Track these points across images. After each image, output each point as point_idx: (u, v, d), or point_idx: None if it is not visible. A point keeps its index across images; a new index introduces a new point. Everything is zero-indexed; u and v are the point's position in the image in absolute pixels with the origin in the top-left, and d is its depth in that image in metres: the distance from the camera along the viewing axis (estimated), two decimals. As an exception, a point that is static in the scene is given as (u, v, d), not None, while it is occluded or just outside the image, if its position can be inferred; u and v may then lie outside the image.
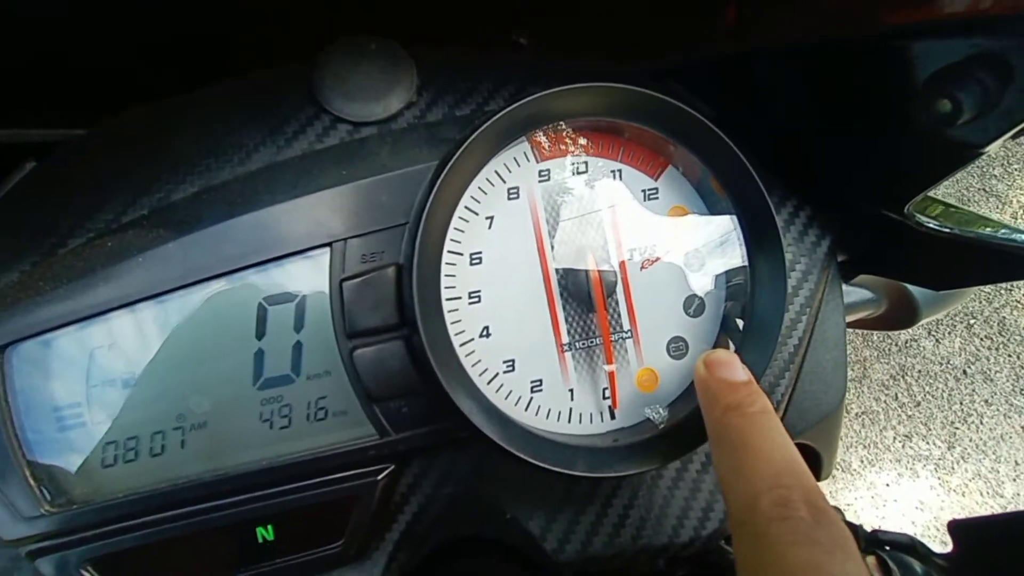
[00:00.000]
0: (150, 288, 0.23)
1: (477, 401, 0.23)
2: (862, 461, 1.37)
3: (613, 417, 0.26)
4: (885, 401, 1.41)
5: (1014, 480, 1.34)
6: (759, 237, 0.25)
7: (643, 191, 0.27)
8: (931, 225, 0.24)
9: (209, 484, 0.24)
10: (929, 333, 1.42)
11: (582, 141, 0.26)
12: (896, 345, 1.39)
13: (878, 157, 0.24)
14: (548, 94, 0.23)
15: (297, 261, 0.24)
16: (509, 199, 0.25)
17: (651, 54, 0.32)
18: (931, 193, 0.25)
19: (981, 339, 1.44)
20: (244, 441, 0.24)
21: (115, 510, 0.23)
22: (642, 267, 0.27)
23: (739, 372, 0.24)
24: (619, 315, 0.26)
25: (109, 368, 0.23)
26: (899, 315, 0.39)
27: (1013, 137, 0.19)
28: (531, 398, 0.26)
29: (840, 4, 0.20)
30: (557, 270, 0.26)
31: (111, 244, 0.23)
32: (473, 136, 0.21)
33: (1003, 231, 0.24)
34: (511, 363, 0.26)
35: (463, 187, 0.24)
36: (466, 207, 0.25)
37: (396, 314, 0.23)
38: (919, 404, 1.40)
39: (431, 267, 0.23)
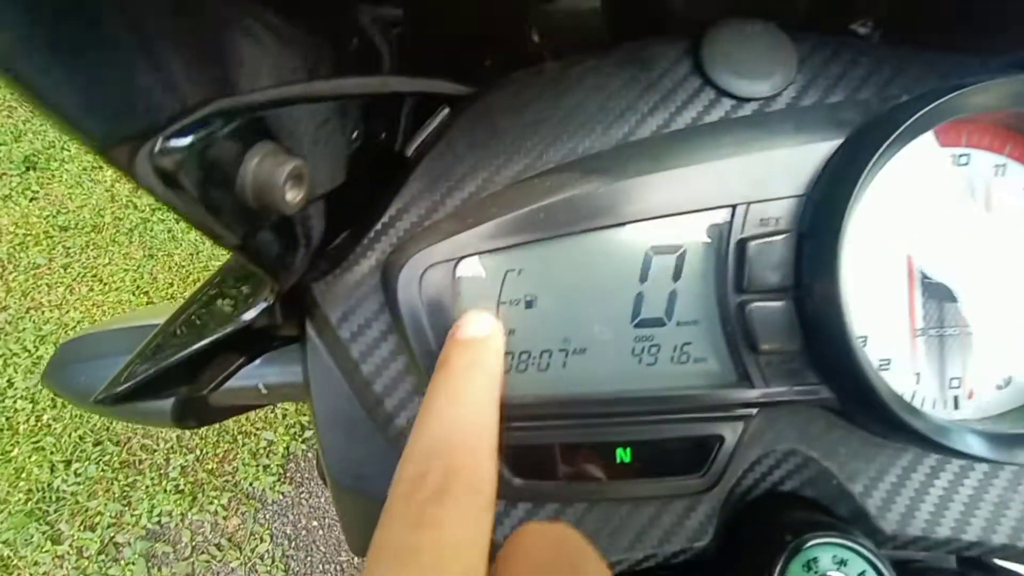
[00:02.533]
0: (561, 228, 0.26)
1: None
2: None
3: (957, 407, 0.27)
4: None
5: None
6: None
7: (1025, 188, 0.27)
8: None
9: (581, 402, 0.27)
10: None
11: (966, 132, 0.26)
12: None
13: None
14: (980, 87, 0.23)
15: (691, 217, 0.26)
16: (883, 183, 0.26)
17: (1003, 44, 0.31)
18: None
19: None
20: (615, 371, 0.27)
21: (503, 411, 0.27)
22: (1014, 266, 0.27)
23: (473, 328, 0.23)
24: (979, 309, 0.27)
25: (517, 290, 0.27)
26: None
27: None
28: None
29: None
30: (920, 258, 0.27)
31: (528, 189, 0.26)
32: (913, 119, 0.23)
33: None
34: (863, 339, 0.27)
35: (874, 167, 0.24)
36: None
37: (792, 276, 0.25)
38: None
39: (833, 240, 0.24)
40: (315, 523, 1.35)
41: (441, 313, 0.26)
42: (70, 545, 1.30)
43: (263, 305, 0.21)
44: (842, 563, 0.25)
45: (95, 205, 1.80)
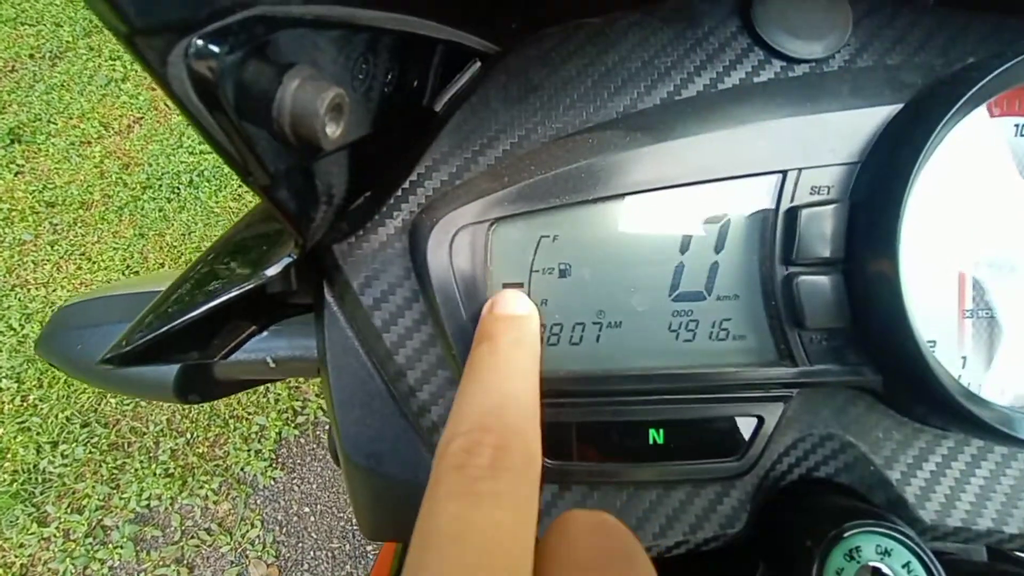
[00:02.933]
0: (600, 190, 0.24)
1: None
2: None
3: (1003, 392, 0.26)
4: None
5: None
6: None
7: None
8: None
9: (614, 379, 0.26)
10: None
11: (1030, 104, 0.25)
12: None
13: None
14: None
15: (734, 184, 0.25)
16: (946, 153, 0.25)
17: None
18: None
19: None
20: (651, 347, 0.26)
21: None
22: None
23: (515, 306, 0.22)
24: (1030, 290, 0.26)
25: (550, 257, 0.25)
26: None
27: None
28: (924, 357, 0.26)
29: None
30: (974, 234, 0.25)
31: (567, 147, 0.25)
32: (989, 78, 0.21)
33: None
34: (910, 319, 0.26)
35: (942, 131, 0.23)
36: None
37: (843, 248, 0.24)
38: None
39: (893, 211, 0.23)
40: (307, 509, 1.33)
41: (473, 280, 0.24)
42: (57, 527, 1.27)
43: (286, 260, 0.20)
44: (886, 553, 0.23)
45: (83, 181, 1.75)
